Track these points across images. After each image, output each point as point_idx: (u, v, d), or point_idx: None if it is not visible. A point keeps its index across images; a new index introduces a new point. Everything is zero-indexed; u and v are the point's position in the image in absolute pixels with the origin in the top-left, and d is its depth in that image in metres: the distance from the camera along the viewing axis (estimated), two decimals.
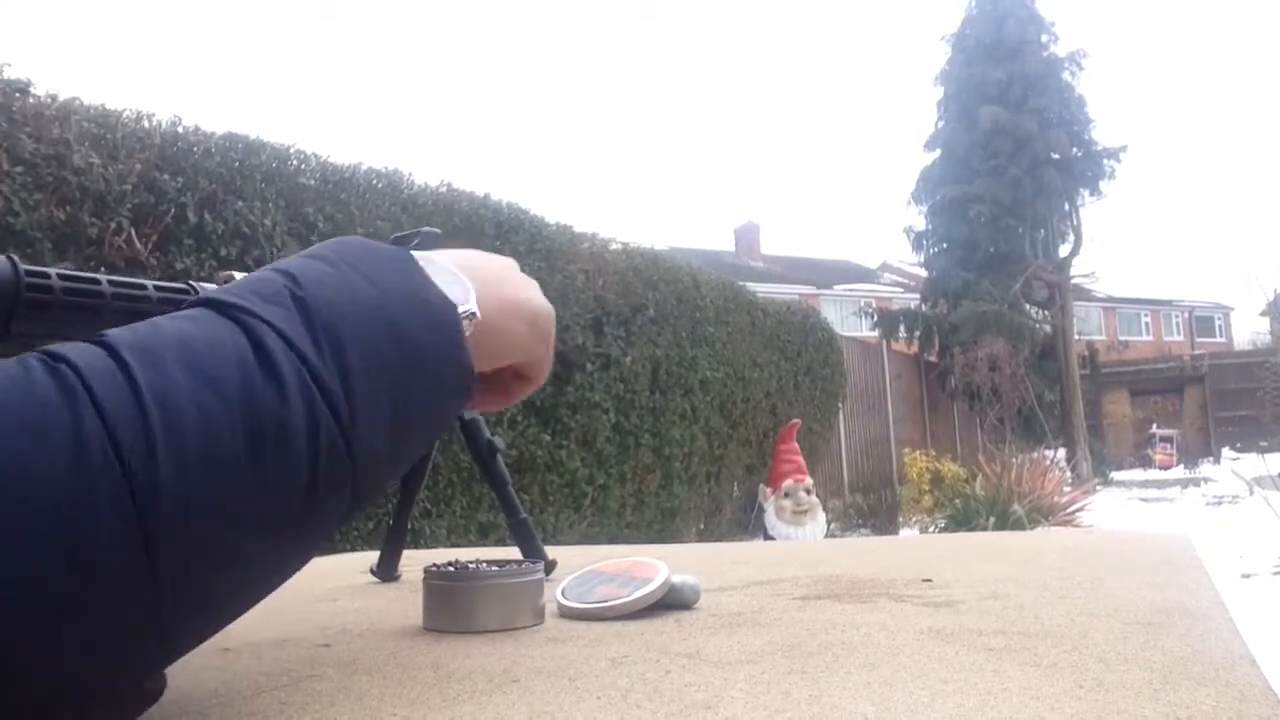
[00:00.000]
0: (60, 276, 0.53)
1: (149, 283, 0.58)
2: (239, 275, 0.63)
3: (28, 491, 0.33)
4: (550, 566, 0.83)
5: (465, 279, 0.53)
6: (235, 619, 0.44)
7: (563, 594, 0.70)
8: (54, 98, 2.94)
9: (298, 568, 0.45)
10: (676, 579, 0.69)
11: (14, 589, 0.33)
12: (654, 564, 0.71)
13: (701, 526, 6.93)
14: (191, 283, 0.60)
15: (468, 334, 0.50)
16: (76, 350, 0.38)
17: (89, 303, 0.55)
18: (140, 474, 0.35)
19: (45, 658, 0.34)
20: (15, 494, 0.33)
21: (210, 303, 0.43)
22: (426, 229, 0.72)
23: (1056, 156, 16.08)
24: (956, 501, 7.94)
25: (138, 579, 0.35)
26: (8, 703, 0.34)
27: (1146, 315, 35.62)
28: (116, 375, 0.37)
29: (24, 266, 0.52)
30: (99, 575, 0.34)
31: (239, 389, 0.39)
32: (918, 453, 10.36)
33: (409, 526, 0.92)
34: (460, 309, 0.50)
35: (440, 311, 0.49)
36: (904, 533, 8.27)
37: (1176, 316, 36.42)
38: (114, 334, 0.39)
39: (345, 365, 0.43)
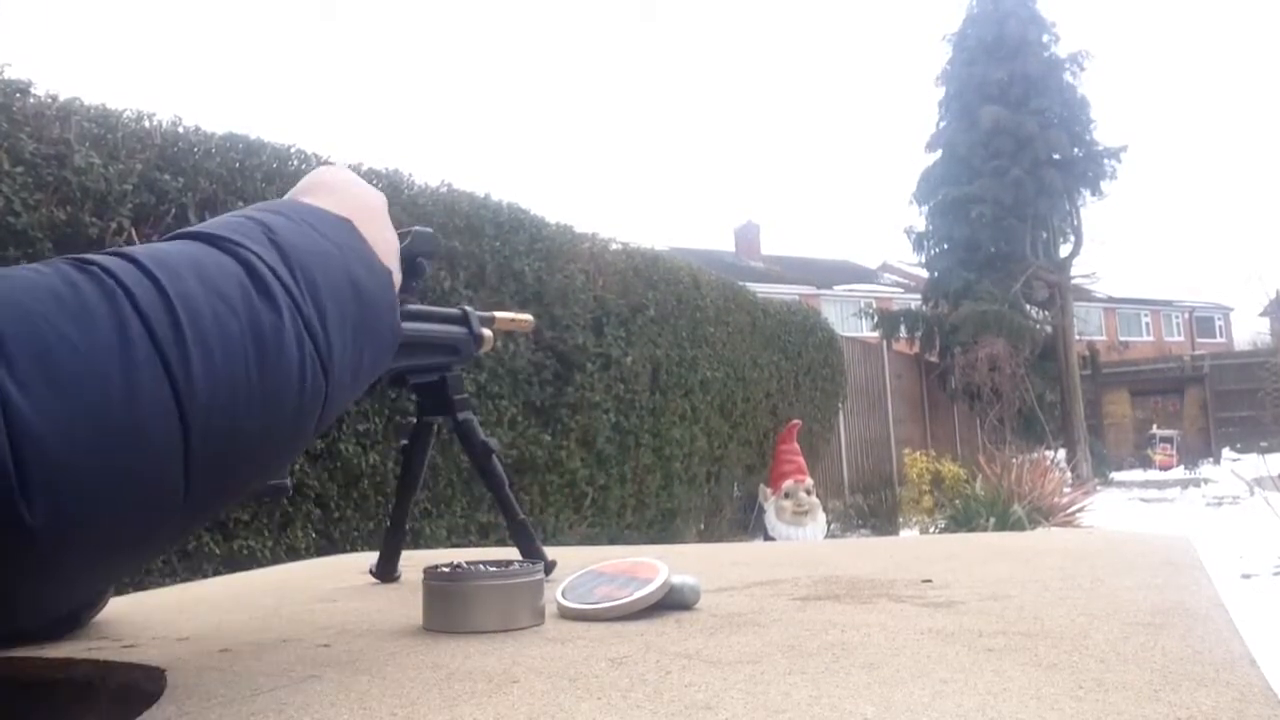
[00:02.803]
0: None
1: None
2: None
3: (80, 369, 0.37)
4: (550, 567, 0.83)
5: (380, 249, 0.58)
6: (239, 496, 0.50)
7: (563, 594, 0.70)
8: (54, 98, 2.93)
9: (282, 465, 0.52)
10: (676, 579, 0.69)
11: (76, 468, 0.36)
12: (654, 564, 0.71)
13: (702, 527, 6.93)
14: None
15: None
16: (105, 258, 0.42)
17: None
18: (176, 365, 0.39)
19: (92, 522, 0.37)
20: (68, 370, 0.36)
21: (201, 236, 0.48)
22: (418, 228, 0.72)
23: (1058, 157, 16.05)
24: (957, 502, 7.94)
25: (174, 456, 0.39)
26: (43, 551, 0.36)
27: (1147, 315, 35.61)
28: (144, 281, 0.41)
29: None
30: (147, 453, 0.38)
31: (243, 302, 0.44)
32: (918, 453, 10.34)
33: (408, 527, 0.92)
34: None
35: (382, 273, 0.56)
36: (904, 533, 8.26)
37: (1177, 317, 36.40)
38: (132, 249, 0.43)
39: (319, 300, 0.48)
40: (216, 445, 0.41)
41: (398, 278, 0.61)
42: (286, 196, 0.60)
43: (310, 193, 0.60)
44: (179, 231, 0.49)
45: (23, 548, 0.35)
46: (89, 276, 0.40)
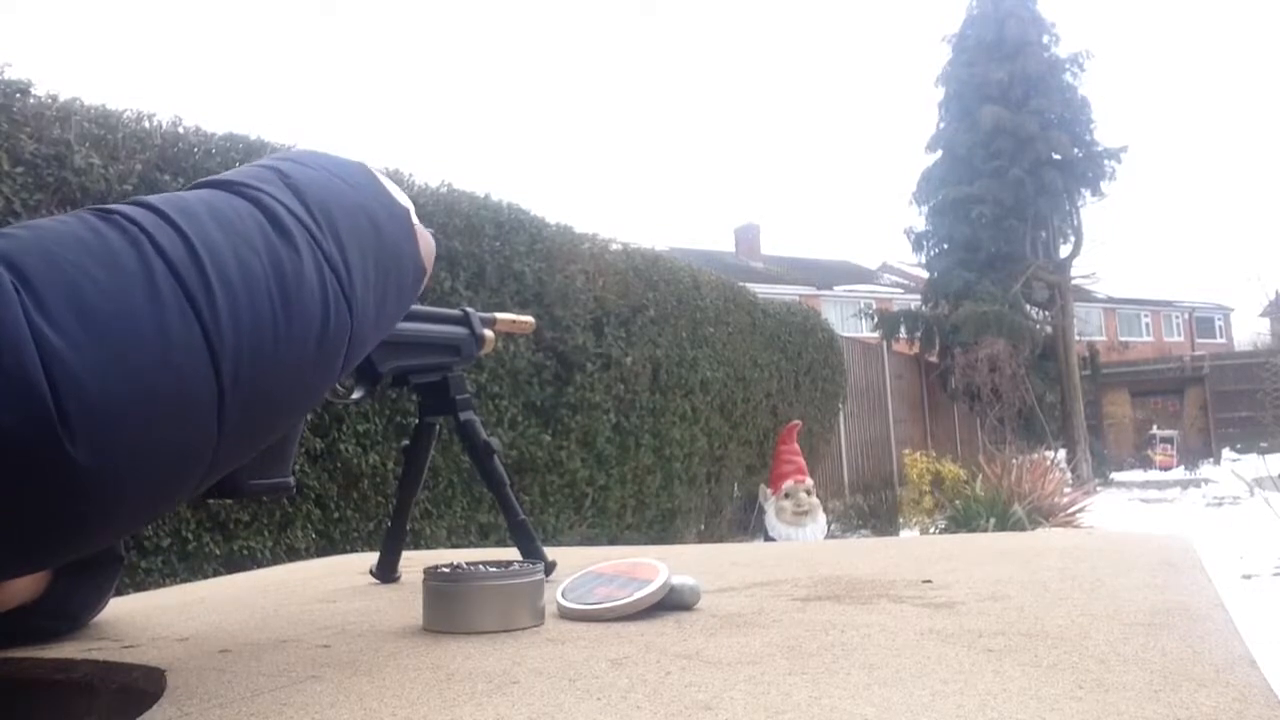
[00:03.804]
0: None
1: None
2: None
3: (110, 308, 0.37)
4: (550, 567, 0.83)
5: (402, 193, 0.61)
6: (269, 438, 0.50)
7: (563, 595, 0.70)
8: (54, 98, 2.93)
9: (311, 402, 0.53)
10: (676, 580, 0.69)
11: (113, 402, 0.37)
12: (654, 565, 0.71)
13: (702, 527, 6.93)
14: None
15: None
16: (125, 207, 0.42)
17: None
18: (202, 303, 0.40)
19: (132, 453, 0.38)
20: (98, 309, 0.37)
21: (216, 183, 0.49)
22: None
23: (1058, 157, 16.04)
24: (957, 502, 7.93)
25: (207, 389, 0.40)
26: (84, 488, 0.37)
27: (1147, 316, 35.58)
28: (165, 226, 0.42)
29: None
30: (179, 386, 0.39)
31: (262, 241, 0.45)
32: (918, 453, 10.33)
33: (408, 528, 0.92)
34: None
35: (400, 212, 0.58)
36: (904, 534, 8.26)
37: (1177, 317, 36.38)
38: (149, 198, 0.44)
39: (338, 236, 0.49)
40: (247, 378, 0.42)
41: (418, 222, 0.62)
42: None
43: None
44: (196, 181, 0.50)
45: (72, 478, 0.36)
46: (111, 224, 0.41)
